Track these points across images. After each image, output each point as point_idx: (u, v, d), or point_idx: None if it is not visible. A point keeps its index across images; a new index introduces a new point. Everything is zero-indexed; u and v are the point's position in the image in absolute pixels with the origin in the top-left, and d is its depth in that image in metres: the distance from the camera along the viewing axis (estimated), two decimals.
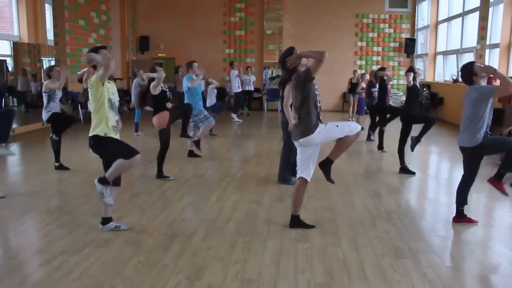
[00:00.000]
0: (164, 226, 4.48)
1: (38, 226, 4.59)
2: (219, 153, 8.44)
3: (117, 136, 4.16)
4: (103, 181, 4.02)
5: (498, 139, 4.66)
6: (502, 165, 4.57)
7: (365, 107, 10.66)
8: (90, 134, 4.07)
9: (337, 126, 4.16)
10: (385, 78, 8.47)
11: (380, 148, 8.62)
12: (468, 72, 4.47)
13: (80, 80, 6.66)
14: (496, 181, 4.58)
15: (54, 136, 6.58)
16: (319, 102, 4.18)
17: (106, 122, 4.03)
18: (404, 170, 6.81)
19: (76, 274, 3.42)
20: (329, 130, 4.14)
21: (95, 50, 4.09)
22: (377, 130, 9.06)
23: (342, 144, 4.25)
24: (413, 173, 6.77)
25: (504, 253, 4.02)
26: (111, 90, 4.11)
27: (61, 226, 4.44)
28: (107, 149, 4.12)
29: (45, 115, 6.56)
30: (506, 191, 4.63)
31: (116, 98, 4.19)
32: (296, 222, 4.40)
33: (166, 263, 3.62)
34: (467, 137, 4.44)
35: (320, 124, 4.13)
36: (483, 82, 4.44)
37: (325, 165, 4.36)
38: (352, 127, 4.17)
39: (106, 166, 4.16)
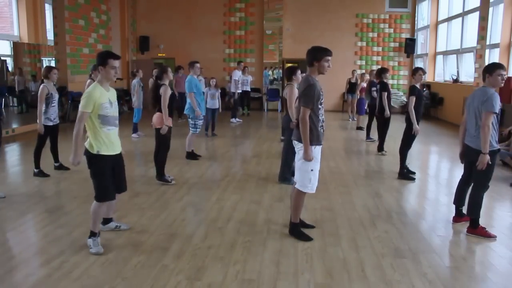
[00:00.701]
0: (164, 226, 4.48)
1: (38, 226, 4.59)
2: (219, 153, 8.44)
3: (116, 151, 3.84)
4: (91, 235, 3.86)
5: (491, 169, 4.30)
6: (468, 210, 4.39)
7: (365, 107, 10.65)
8: (85, 143, 3.78)
9: (312, 170, 3.98)
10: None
11: (381, 150, 8.45)
12: (489, 69, 4.25)
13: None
14: (473, 229, 4.37)
15: None
16: (322, 115, 3.99)
17: (100, 138, 3.71)
18: (403, 175, 6.57)
19: (76, 274, 3.42)
20: (307, 165, 3.97)
21: (105, 57, 3.71)
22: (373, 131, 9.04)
23: (293, 203, 4.18)
24: (413, 179, 6.55)
25: (504, 253, 4.02)
26: (104, 104, 3.69)
27: (61, 226, 4.44)
28: (91, 169, 3.79)
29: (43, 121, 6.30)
30: (491, 234, 4.33)
31: (114, 108, 3.80)
32: (294, 230, 4.24)
33: (166, 263, 3.63)
34: (478, 140, 4.25)
35: (319, 143, 3.99)
36: (492, 88, 4.25)
37: (293, 230, 4.22)
38: (311, 183, 4.00)
39: None
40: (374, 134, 9.32)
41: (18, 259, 3.73)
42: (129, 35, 16.65)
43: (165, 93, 5.85)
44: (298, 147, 4.03)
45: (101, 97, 3.67)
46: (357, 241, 4.16)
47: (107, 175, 3.80)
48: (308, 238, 4.15)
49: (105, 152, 3.74)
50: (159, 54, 16.75)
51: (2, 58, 13.88)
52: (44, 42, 13.17)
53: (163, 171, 6.10)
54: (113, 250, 3.86)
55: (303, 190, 4.05)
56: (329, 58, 3.94)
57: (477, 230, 4.34)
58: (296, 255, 3.81)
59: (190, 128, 7.57)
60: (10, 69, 14.74)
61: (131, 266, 3.58)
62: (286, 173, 6.05)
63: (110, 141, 3.76)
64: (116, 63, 3.75)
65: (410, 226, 4.64)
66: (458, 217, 4.70)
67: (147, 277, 3.39)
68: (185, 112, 7.73)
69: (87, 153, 3.75)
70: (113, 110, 3.79)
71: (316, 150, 4.01)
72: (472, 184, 4.47)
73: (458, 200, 4.70)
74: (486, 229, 4.36)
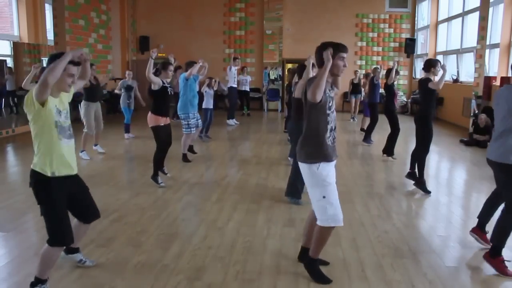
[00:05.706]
0: (164, 226, 4.48)
1: (38, 226, 4.58)
2: (219, 153, 8.43)
3: (73, 171, 3.04)
4: (34, 283, 3.00)
5: None
6: (493, 234, 3.66)
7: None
8: (31, 166, 2.96)
9: (324, 197, 3.23)
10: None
11: (390, 154, 7.84)
12: None
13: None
14: (491, 257, 3.62)
15: None
16: (333, 121, 3.29)
17: (51, 154, 2.89)
18: (422, 185, 5.85)
19: (76, 274, 3.43)
20: (318, 192, 3.26)
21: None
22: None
23: (315, 236, 3.36)
24: (429, 192, 5.76)
25: (504, 252, 4.00)
26: (57, 107, 2.92)
27: None
28: (41, 201, 2.94)
29: None
30: (509, 272, 3.55)
31: (64, 117, 2.98)
32: (311, 266, 3.43)
33: (166, 263, 3.62)
34: (496, 147, 3.57)
35: (328, 158, 3.26)
36: None
37: (309, 266, 3.43)
38: (329, 214, 3.24)
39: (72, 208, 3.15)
40: (374, 137, 9.31)
41: (18, 260, 3.73)
42: (129, 35, 16.65)
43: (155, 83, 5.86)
44: (305, 170, 3.31)
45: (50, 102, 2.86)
46: (357, 241, 4.16)
47: (64, 207, 3.01)
48: (325, 280, 3.34)
49: (63, 172, 2.96)
50: (159, 54, 16.68)
51: (2, 58, 13.89)
52: (44, 42, 13.14)
53: (157, 172, 5.96)
54: (113, 250, 3.86)
55: (322, 224, 3.27)
56: (344, 55, 3.28)
57: (495, 261, 3.59)
58: (296, 256, 3.80)
59: (183, 129, 7.36)
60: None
61: (131, 266, 3.58)
62: (294, 189, 5.25)
63: (67, 159, 2.98)
64: (75, 69, 2.96)
65: (410, 226, 4.64)
66: (480, 231, 4.08)
67: (147, 277, 3.39)
68: (178, 112, 7.55)
69: (35, 175, 2.92)
70: (63, 119, 2.98)
71: (326, 169, 3.25)
72: (504, 206, 3.67)
73: (484, 216, 4.06)
74: (506, 265, 3.59)
